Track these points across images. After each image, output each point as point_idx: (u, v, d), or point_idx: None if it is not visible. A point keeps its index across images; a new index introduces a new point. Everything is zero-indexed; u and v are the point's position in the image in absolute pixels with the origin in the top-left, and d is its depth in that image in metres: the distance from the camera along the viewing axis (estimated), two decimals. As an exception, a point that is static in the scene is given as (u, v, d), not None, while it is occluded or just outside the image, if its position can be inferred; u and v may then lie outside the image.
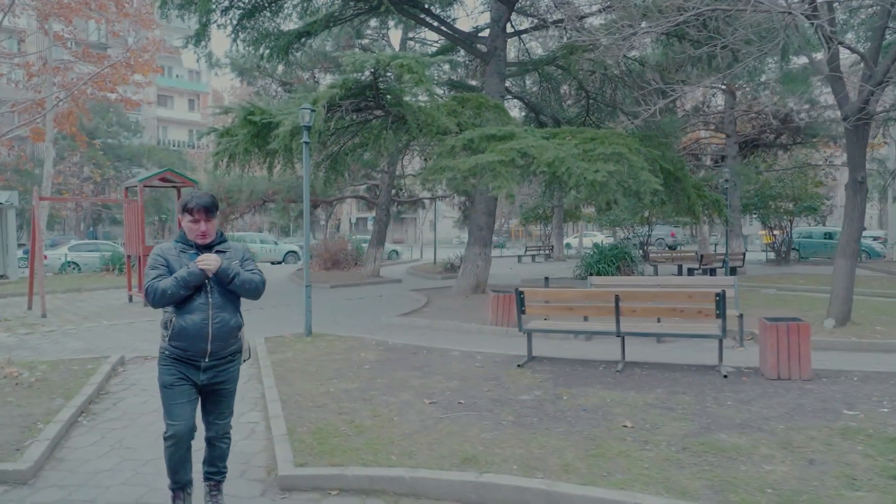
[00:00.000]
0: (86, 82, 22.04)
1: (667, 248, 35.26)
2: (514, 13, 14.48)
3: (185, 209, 3.06)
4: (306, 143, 7.93)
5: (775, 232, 23.34)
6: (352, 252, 22.58)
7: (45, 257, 20.81)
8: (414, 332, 9.20)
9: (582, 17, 12.14)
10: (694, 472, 3.52)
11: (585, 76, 15.69)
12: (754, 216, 27.32)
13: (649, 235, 29.41)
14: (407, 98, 8.81)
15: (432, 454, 3.94)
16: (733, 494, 3.20)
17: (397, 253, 34.26)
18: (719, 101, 23.64)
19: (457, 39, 13.73)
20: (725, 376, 5.75)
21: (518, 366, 6.41)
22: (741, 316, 7.79)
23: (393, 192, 20.61)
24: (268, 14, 12.99)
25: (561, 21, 13.37)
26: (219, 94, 58.27)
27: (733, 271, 19.27)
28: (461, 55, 16.87)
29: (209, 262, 2.99)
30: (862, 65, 7.83)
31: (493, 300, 9.10)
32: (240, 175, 12.87)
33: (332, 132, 10.40)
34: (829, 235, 28.40)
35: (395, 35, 19.00)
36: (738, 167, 20.03)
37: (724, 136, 22.18)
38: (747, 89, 21.31)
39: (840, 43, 7.17)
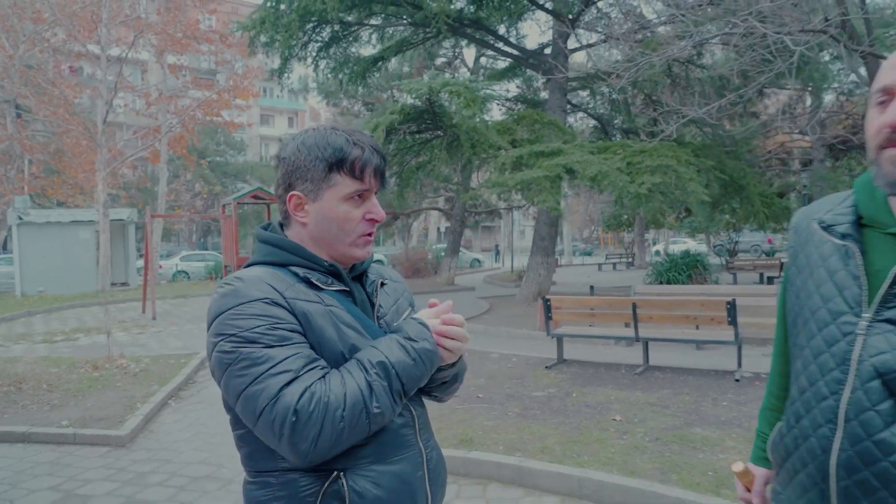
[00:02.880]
0: (195, 109, 24.59)
1: (763, 255, 33.93)
2: (579, 28, 14.94)
3: (346, 166, 1.19)
4: (365, 165, 8.91)
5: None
6: (431, 261, 23.68)
7: (160, 266, 23.45)
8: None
9: (639, 30, 12.41)
10: (653, 456, 4.02)
11: (652, 86, 15.81)
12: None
13: (736, 242, 28.51)
14: (457, 119, 9.55)
15: (438, 435, 4.65)
16: (675, 475, 3.69)
17: (479, 261, 35.09)
18: (808, 103, 22.67)
19: (518, 58, 14.36)
20: (738, 380, 6.05)
21: (546, 367, 6.98)
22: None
23: (469, 203, 21.44)
24: (343, 45, 14.24)
25: (624, 35, 13.68)
26: (315, 111, 61.89)
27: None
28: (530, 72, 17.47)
29: (458, 327, 1.24)
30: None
31: (539, 307, 9.65)
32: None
33: (395, 153, 11.38)
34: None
35: (471, 52, 19.89)
36: (823, 172, 19.21)
37: (809, 139, 21.28)
38: (835, 87, 20.36)
39: (881, 57, 7.19)
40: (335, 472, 1.10)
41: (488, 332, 10.24)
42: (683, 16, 9.31)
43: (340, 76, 15.09)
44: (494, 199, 25.39)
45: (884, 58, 7.82)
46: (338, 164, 1.17)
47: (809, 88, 19.77)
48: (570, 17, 13.93)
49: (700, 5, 8.39)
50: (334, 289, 1.20)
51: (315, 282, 1.18)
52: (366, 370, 1.10)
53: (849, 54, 6.97)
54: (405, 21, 13.59)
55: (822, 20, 6.58)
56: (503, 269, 30.63)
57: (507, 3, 13.86)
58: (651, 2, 15.58)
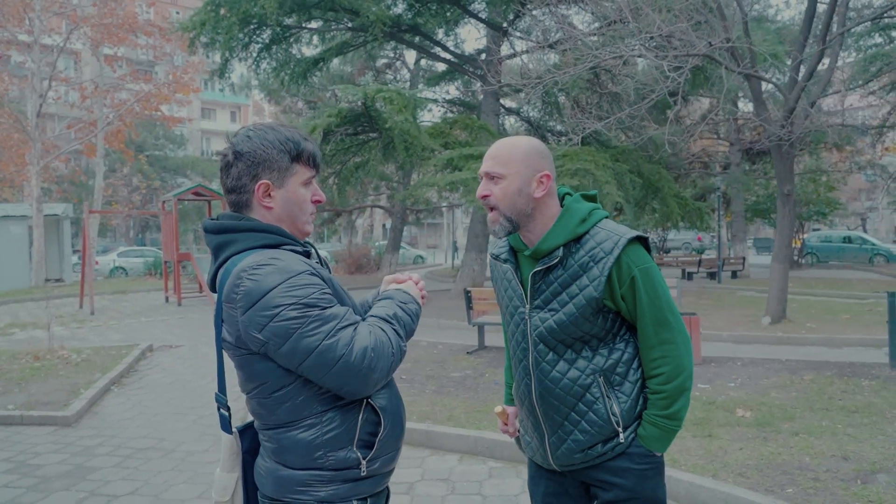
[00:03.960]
0: (133, 103, 24.24)
1: (694, 252, 35.92)
2: (513, 36, 15.76)
3: (303, 157, 1.48)
4: (303, 166, 9.40)
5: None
6: (374, 257, 24.18)
7: (97, 263, 23.08)
8: (400, 327, 10.55)
9: (551, 45, 13.23)
10: (540, 420, 4.76)
11: (577, 91, 16.77)
12: (764, 221, 27.82)
13: (664, 240, 30.27)
14: (390, 124, 10.12)
15: (361, 410, 5.28)
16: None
17: (422, 258, 35.75)
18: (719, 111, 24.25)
19: (453, 63, 15.05)
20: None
21: (468, 353, 7.69)
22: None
23: (410, 201, 22.04)
24: (285, 46, 14.58)
25: (553, 45, 14.55)
26: (259, 105, 61.17)
27: (734, 275, 20.06)
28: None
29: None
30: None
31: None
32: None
33: (334, 153, 11.88)
34: (848, 239, 28.59)
35: (412, 55, 20.44)
36: (738, 175, 20.71)
37: (728, 143, 22.86)
38: (746, 98, 21.94)
39: (759, 78, 8.22)
40: (364, 400, 1.43)
41: (421, 322, 10.86)
42: (604, 33, 10.19)
43: (282, 76, 15.39)
44: (435, 198, 26.10)
45: (763, 79, 8.89)
46: (297, 155, 1.44)
47: (717, 97, 21.29)
48: (505, 24, 14.72)
49: (612, 23, 9.23)
50: (314, 261, 1.48)
51: (311, 257, 1.47)
52: (389, 322, 1.44)
53: (728, 75, 7.95)
54: (345, 25, 14.07)
55: (706, 44, 7.51)
56: (446, 265, 31.41)
57: (444, 11, 14.52)
58: (581, 12, 16.51)
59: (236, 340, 1.38)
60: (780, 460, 3.94)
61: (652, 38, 7.59)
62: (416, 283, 1.62)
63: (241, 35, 12.88)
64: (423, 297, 1.61)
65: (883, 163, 22.40)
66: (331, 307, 1.35)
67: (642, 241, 1.68)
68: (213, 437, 4.94)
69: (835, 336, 8.54)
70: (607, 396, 1.67)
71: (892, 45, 17.72)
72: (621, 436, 1.67)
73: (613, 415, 1.67)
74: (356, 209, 23.20)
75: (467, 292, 7.68)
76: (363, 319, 1.46)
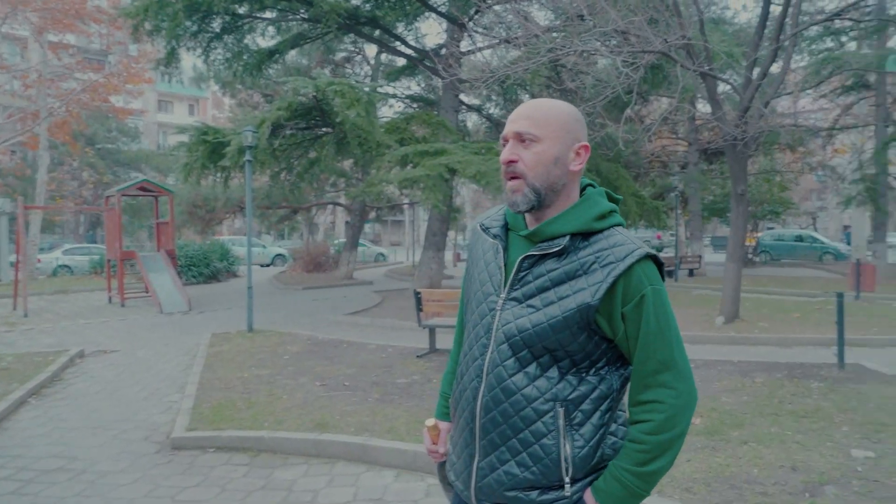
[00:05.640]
0: (80, 92, 23.20)
1: (654, 250, 36.41)
2: (475, 32, 15.51)
3: None
4: (248, 161, 8.96)
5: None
6: (333, 256, 23.69)
7: (39, 261, 22.04)
8: (353, 328, 10.22)
9: (508, 41, 13.00)
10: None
11: (541, 88, 16.65)
12: (721, 220, 28.36)
13: (625, 238, 30.58)
14: (341, 118, 9.74)
15: (297, 421, 4.95)
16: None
17: (384, 256, 35.31)
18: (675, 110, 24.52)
19: (412, 58, 14.74)
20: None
21: (417, 356, 7.41)
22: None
23: (367, 198, 21.60)
24: (237, 36, 14.02)
25: (510, 41, 14.35)
26: (218, 98, 59.63)
27: (691, 273, 20.30)
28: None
29: None
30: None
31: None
32: (213, 185, 14.02)
33: (284, 148, 11.44)
34: (799, 238, 29.45)
35: (372, 49, 20.01)
36: (695, 174, 20.95)
37: (686, 143, 23.11)
38: (704, 99, 22.20)
39: (714, 77, 8.16)
40: None
41: (373, 324, 10.58)
42: (562, 29, 10.02)
43: (235, 67, 14.83)
44: (395, 195, 25.72)
45: (718, 78, 8.83)
46: None
47: (675, 97, 21.48)
48: (466, 18, 14.44)
49: (569, 19, 9.07)
50: None
51: None
52: None
53: (683, 73, 7.86)
54: (299, 16, 13.59)
55: (662, 41, 7.39)
56: (406, 263, 31.04)
57: (403, 4, 14.16)
58: (543, 9, 16.37)
59: None
60: (729, 473, 3.78)
61: (606, 33, 7.43)
62: None
63: (188, 23, 12.29)
64: None
65: (833, 164, 22.99)
66: None
67: (658, 264, 1.42)
68: (132, 454, 4.55)
69: (786, 336, 8.55)
70: (563, 433, 1.37)
71: (842, 49, 18.10)
72: (567, 489, 1.37)
73: (565, 460, 1.37)
74: (314, 206, 22.65)
75: (417, 293, 7.40)
76: None
